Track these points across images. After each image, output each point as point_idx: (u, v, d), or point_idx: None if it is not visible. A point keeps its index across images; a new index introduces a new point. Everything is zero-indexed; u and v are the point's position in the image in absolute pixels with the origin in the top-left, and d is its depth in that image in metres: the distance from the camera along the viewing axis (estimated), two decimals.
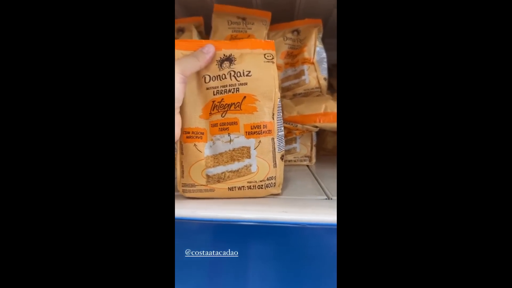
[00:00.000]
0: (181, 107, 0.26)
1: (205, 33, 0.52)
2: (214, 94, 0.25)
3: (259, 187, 0.26)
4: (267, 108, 0.25)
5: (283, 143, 0.27)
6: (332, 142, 0.54)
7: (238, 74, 0.25)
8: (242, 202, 0.26)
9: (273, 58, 0.26)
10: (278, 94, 0.25)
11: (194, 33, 0.49)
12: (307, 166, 0.44)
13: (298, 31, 0.49)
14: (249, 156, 0.26)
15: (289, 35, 0.48)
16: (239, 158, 0.26)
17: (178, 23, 0.51)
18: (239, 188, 0.26)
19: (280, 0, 0.54)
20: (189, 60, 0.25)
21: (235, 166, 0.26)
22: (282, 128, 0.27)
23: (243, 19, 0.47)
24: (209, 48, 0.26)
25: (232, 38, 0.46)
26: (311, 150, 0.44)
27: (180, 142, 0.26)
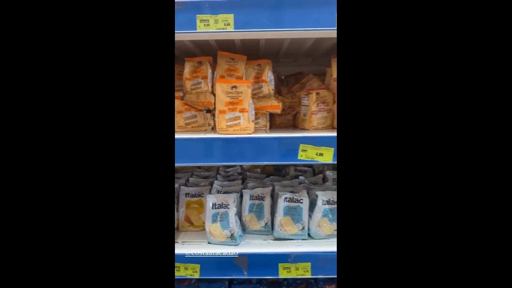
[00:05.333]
0: (217, 101, 0.75)
1: (213, 63, 1.00)
2: (231, 98, 0.75)
3: (243, 130, 0.76)
4: (247, 104, 0.75)
5: (253, 116, 0.77)
6: (278, 120, 1.06)
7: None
8: None
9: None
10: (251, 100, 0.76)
11: (208, 65, 0.97)
12: (265, 130, 0.95)
13: (260, 65, 0.99)
14: (240, 118, 0.76)
15: (255, 67, 0.98)
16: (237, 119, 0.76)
17: (199, 59, 0.98)
18: (238, 130, 0.76)
19: (250, 46, 1.04)
20: None
21: (236, 122, 0.76)
22: (253, 111, 0.77)
23: (233, 59, 0.96)
24: None
25: (228, 69, 0.95)
26: (266, 123, 0.95)
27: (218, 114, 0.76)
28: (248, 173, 1.15)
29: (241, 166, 1.22)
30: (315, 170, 1.20)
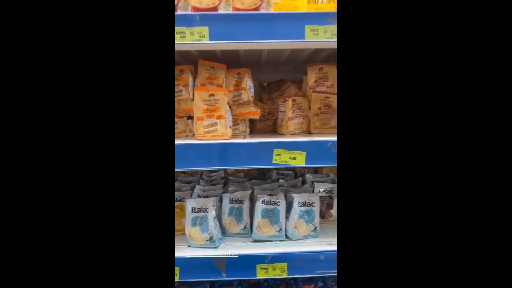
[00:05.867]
0: (195, 109, 0.78)
1: (194, 71, 1.03)
2: (208, 106, 0.78)
3: (220, 135, 0.79)
4: (224, 111, 0.79)
5: (231, 123, 0.81)
6: (259, 126, 1.10)
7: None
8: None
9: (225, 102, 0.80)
10: (228, 107, 0.79)
11: (189, 73, 1.00)
12: (244, 136, 0.98)
13: (239, 73, 1.03)
14: (217, 125, 0.79)
15: (235, 75, 1.02)
16: (215, 125, 0.79)
17: (181, 67, 1.01)
18: (215, 136, 0.79)
19: (230, 55, 1.08)
20: None
21: (213, 128, 0.79)
22: (230, 117, 0.81)
23: (213, 67, 1.00)
24: None
25: (208, 77, 0.98)
26: (246, 128, 0.99)
27: (196, 121, 0.79)
28: (231, 177, 1.18)
29: (224, 170, 1.25)
30: (296, 173, 1.24)
